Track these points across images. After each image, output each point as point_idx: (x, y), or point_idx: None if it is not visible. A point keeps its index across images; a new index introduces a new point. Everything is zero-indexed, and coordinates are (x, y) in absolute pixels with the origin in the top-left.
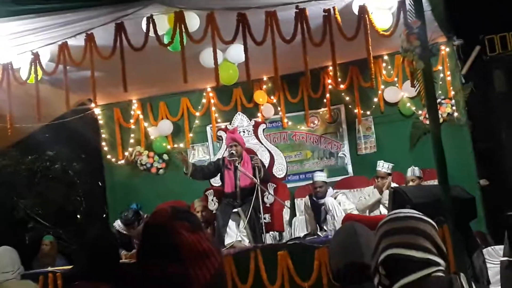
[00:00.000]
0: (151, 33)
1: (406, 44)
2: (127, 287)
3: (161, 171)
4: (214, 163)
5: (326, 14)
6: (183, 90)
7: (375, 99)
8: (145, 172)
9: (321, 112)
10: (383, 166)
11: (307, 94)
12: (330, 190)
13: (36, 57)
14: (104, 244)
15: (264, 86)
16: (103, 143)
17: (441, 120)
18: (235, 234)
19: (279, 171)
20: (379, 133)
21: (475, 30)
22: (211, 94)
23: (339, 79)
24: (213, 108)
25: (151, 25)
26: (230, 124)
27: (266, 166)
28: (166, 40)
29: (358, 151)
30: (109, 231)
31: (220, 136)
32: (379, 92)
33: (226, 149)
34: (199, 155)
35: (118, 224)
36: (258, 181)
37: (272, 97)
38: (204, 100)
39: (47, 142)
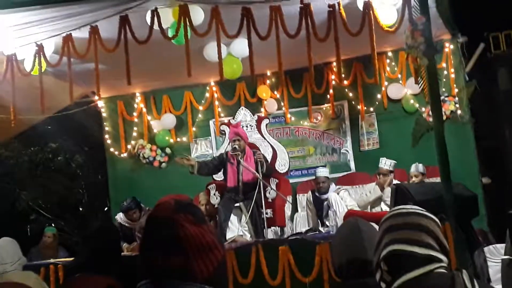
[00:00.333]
0: (156, 26)
1: (411, 40)
2: (129, 280)
3: (163, 164)
4: (217, 158)
5: (331, 9)
6: (187, 84)
7: (379, 96)
8: (148, 165)
9: (324, 108)
10: (385, 163)
11: (311, 90)
12: (333, 186)
13: (40, 49)
14: (106, 237)
15: (268, 81)
16: (106, 136)
17: (444, 118)
18: (237, 228)
19: (281, 166)
20: (382, 130)
21: (480, 27)
22: (214, 89)
23: (343, 75)
24: (216, 103)
25: (155, 18)
26: (233, 118)
27: (269, 161)
28: (170, 34)
29: (360, 147)
30: (111, 223)
31: (223, 131)
32: (383, 88)
33: (229, 144)
34: (202, 149)
35: (120, 217)
36: (261, 176)
37: (275, 92)
38: (207, 94)
39: (50, 134)
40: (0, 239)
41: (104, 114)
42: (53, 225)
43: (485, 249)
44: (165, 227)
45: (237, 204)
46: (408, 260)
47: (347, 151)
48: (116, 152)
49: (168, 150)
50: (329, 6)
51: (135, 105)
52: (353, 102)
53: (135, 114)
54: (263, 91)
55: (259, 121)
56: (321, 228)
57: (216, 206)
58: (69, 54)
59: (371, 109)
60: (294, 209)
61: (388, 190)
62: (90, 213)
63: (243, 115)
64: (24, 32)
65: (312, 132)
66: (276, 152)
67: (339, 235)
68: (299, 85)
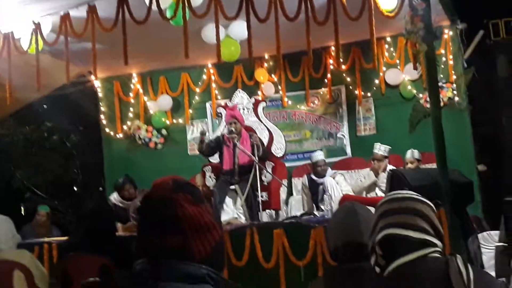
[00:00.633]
0: (154, 7)
1: (410, 26)
2: (124, 259)
3: (159, 146)
4: (214, 140)
5: None
6: (184, 66)
7: (376, 81)
8: (143, 146)
9: (321, 92)
10: (379, 149)
11: (308, 74)
12: (329, 171)
13: (37, 27)
14: (100, 217)
15: (265, 64)
16: (102, 116)
17: (441, 104)
18: (232, 211)
19: (277, 149)
20: (379, 115)
21: (480, 14)
22: (211, 71)
23: (341, 60)
24: (213, 85)
25: None
26: (230, 101)
27: (265, 145)
28: (168, 14)
29: (357, 133)
30: (106, 203)
31: (220, 113)
32: (381, 74)
33: (225, 126)
34: (198, 131)
35: (114, 197)
36: (256, 159)
37: (273, 76)
38: (204, 77)
39: (45, 113)
40: None
41: (100, 94)
42: (47, 204)
43: (479, 235)
44: (163, 207)
45: (232, 187)
46: (402, 244)
47: (343, 136)
48: (112, 133)
49: (164, 132)
50: None
51: (132, 86)
52: (350, 87)
53: (131, 94)
54: (261, 74)
55: (256, 104)
56: (316, 212)
57: (211, 188)
58: (66, 33)
59: (369, 94)
60: (289, 193)
61: (383, 176)
62: (85, 193)
63: (240, 98)
64: (21, 10)
65: (309, 116)
66: (273, 135)
67: (336, 218)
68: (297, 69)
